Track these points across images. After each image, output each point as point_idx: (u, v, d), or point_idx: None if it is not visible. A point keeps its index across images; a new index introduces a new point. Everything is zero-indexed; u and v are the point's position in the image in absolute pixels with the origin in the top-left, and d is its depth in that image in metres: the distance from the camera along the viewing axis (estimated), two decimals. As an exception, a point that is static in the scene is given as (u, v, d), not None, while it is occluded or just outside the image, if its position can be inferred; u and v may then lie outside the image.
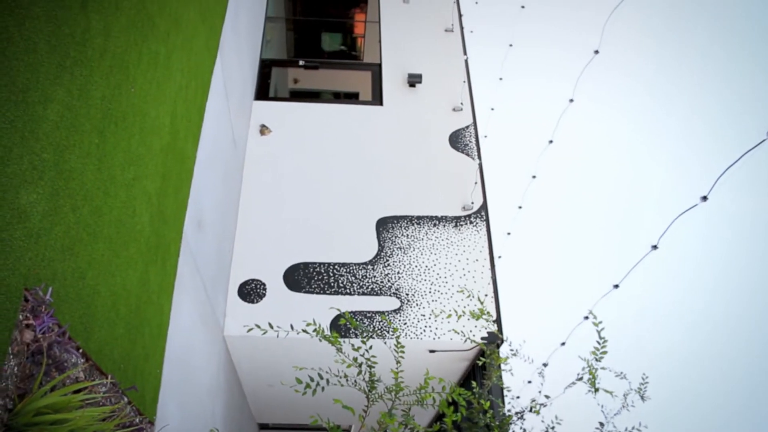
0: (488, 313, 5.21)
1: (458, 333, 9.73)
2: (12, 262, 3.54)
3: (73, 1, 4.17)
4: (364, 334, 4.00)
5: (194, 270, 7.73)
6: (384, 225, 11.14)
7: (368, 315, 10.01)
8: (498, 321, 9.60)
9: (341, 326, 9.70)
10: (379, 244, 10.89)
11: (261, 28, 13.54)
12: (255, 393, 12.70)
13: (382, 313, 10.08)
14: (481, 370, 9.84)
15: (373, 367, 3.97)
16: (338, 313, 9.67)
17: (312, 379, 3.73)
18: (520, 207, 10.42)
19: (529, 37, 11.83)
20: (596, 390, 4.89)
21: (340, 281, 10.36)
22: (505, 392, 5.84)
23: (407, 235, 11.05)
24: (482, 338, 9.77)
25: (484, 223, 11.41)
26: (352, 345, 4.14)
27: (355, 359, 3.96)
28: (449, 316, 5.04)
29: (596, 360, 5.00)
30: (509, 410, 5.33)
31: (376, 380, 3.89)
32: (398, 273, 10.57)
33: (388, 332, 9.85)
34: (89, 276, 4.57)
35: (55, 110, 3.98)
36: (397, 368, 3.76)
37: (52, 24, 3.91)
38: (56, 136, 4.01)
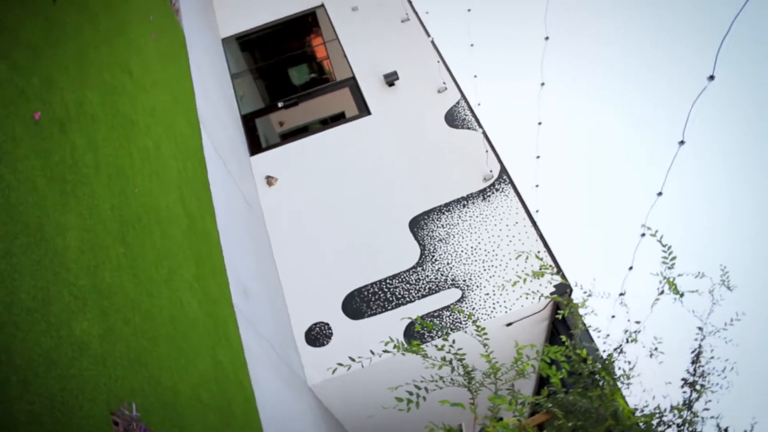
0: (549, 266, 5.13)
1: (528, 295, 9.65)
2: (90, 392, 3.56)
3: (52, 129, 4.21)
4: (443, 331, 3.97)
5: (258, 336, 7.75)
6: (417, 224, 11.09)
7: (436, 314, 9.96)
8: (560, 271, 9.49)
9: (416, 333, 9.66)
10: (420, 244, 10.84)
11: (231, 87, 13.61)
12: (358, 429, 12.67)
13: (449, 307, 10.02)
14: (563, 323, 9.73)
15: (463, 359, 3.92)
16: (409, 321, 9.64)
17: (410, 393, 3.70)
18: (538, 157, 10.34)
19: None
20: (681, 294, 4.79)
21: (397, 293, 10.33)
22: (595, 335, 5.75)
23: (442, 225, 10.99)
24: (551, 293, 9.67)
25: (509, 185, 11.32)
26: (435, 346, 4.10)
27: (444, 358, 3.92)
28: (515, 283, 5.00)
29: (669, 268, 4.90)
30: (604, 350, 5.24)
31: (470, 371, 3.85)
32: (448, 264, 10.51)
33: (462, 323, 9.78)
34: (164, 378, 4.58)
35: (74, 236, 4.01)
36: (486, 351, 3.71)
37: (41, 158, 3.94)
38: (84, 260, 4.03)
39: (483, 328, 3.99)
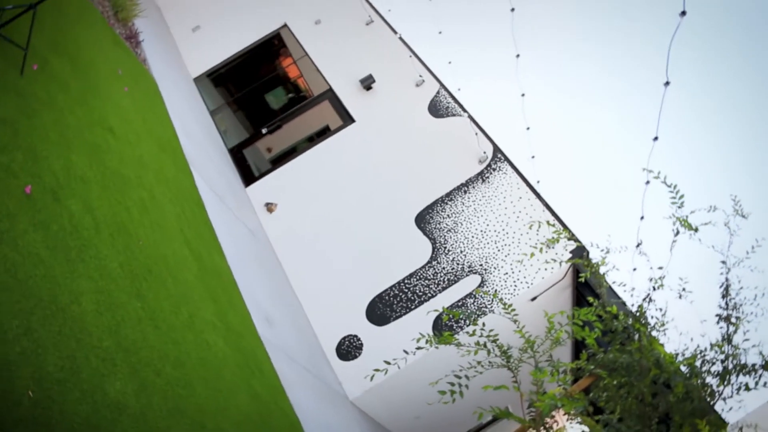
0: (562, 231, 5.10)
1: (547, 264, 9.63)
2: (136, 449, 3.55)
3: (45, 199, 4.20)
4: (470, 317, 3.94)
5: (289, 360, 7.73)
6: (422, 220, 11.07)
7: (460, 303, 9.93)
8: (573, 235, 9.46)
9: (445, 325, 9.63)
10: (429, 238, 10.81)
11: (212, 124, 13.61)
12: (407, 429, 12.64)
13: (472, 294, 9.99)
14: (587, 286, 9.69)
15: (497, 340, 3.90)
16: (437, 314, 9.61)
17: (452, 384, 3.67)
18: (528, 128, 10.31)
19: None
20: (696, 229, 4.75)
21: (417, 291, 10.30)
22: (621, 290, 5.71)
23: (447, 215, 10.97)
24: (569, 259, 9.64)
25: (505, 162, 11.30)
26: (467, 333, 4.07)
27: (477, 343, 3.90)
28: (532, 255, 4.97)
29: (679, 207, 4.87)
30: (633, 303, 5.20)
31: (506, 350, 3.82)
32: (462, 252, 10.48)
33: (488, 305, 9.75)
34: (207, 421, 4.56)
35: (89, 300, 4.00)
36: (517, 327, 3.68)
37: (40, 230, 3.93)
38: (104, 321, 4.02)
39: (510, 305, 3.97)
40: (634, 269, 6.11)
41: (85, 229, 4.52)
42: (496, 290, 6.09)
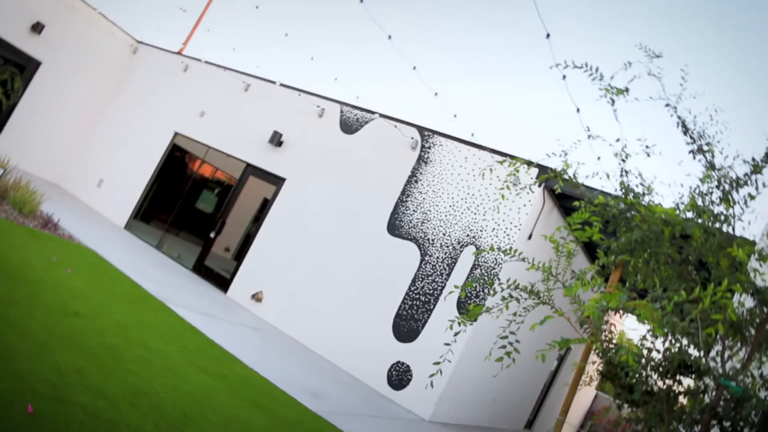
0: (514, 161, 5.12)
1: (521, 197, 9.71)
2: None
3: (51, 407, 4.10)
4: (483, 281, 3.90)
5: (353, 417, 7.66)
6: (393, 227, 11.08)
7: (469, 278, 9.93)
8: (527, 160, 9.58)
9: (467, 302, 9.65)
10: (410, 239, 10.82)
11: (163, 256, 13.50)
12: (495, 417, 12.58)
13: (475, 263, 10.01)
14: (566, 197, 9.76)
15: (518, 286, 3.89)
16: (455, 295, 9.62)
17: (503, 347, 3.66)
18: (436, 94, 10.39)
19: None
20: (626, 90, 4.80)
21: (427, 291, 10.28)
22: (598, 181, 5.77)
23: (413, 210, 11.00)
24: (536, 180, 9.75)
25: (434, 135, 11.38)
26: (489, 295, 4.06)
27: (503, 298, 3.89)
28: (503, 197, 4.97)
29: (601, 80, 4.92)
30: (615, 189, 5.24)
31: (532, 288, 3.82)
32: (445, 234, 10.50)
33: (494, 264, 9.78)
34: None
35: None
36: (529, 264, 3.68)
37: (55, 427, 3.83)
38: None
39: (511, 248, 3.97)
40: (599, 158, 6.17)
41: (104, 412, 4.42)
42: (491, 245, 6.08)
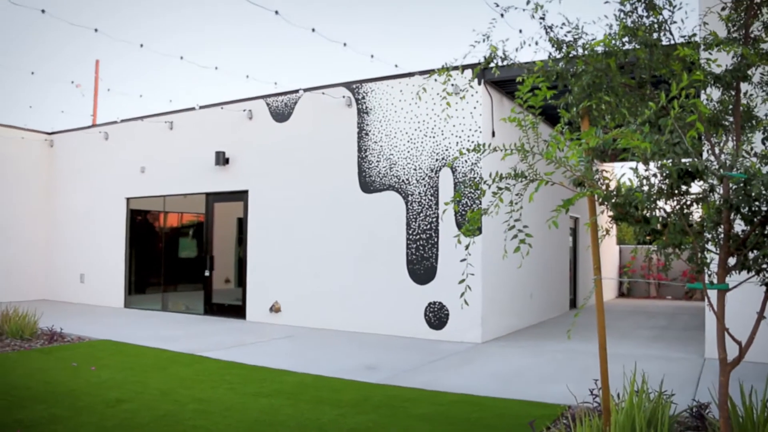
0: (441, 69, 5.06)
1: (466, 100, 9.71)
2: None
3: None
4: (467, 185, 3.89)
5: (415, 372, 7.73)
6: (366, 186, 11.08)
7: (456, 187, 9.96)
8: (451, 65, 9.57)
9: (462, 215, 9.73)
10: (387, 189, 10.82)
11: (173, 315, 13.46)
12: (536, 311, 12.75)
13: (455, 180, 10.04)
14: (511, 80, 9.72)
15: (503, 176, 3.89)
16: (449, 211, 9.68)
17: (515, 236, 3.67)
18: (345, 44, 10.28)
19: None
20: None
21: (424, 228, 10.33)
22: (531, 50, 5.74)
23: (377, 162, 10.98)
24: (476, 75, 9.77)
25: (364, 83, 11.30)
26: (479, 199, 4.05)
27: (494, 193, 3.88)
28: (448, 104, 4.91)
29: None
30: (549, 53, 5.21)
31: (515, 173, 3.81)
32: (416, 169, 10.51)
33: (472, 168, 9.83)
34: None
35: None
36: (502, 152, 3.66)
37: None
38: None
39: (481, 144, 3.96)
40: (520, 30, 6.12)
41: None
42: (459, 149, 6.11)
